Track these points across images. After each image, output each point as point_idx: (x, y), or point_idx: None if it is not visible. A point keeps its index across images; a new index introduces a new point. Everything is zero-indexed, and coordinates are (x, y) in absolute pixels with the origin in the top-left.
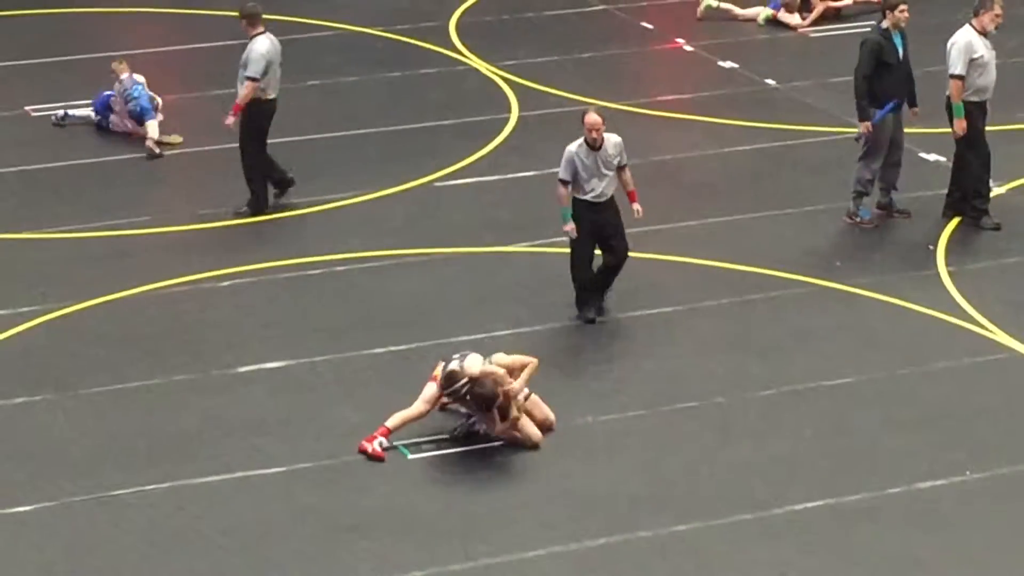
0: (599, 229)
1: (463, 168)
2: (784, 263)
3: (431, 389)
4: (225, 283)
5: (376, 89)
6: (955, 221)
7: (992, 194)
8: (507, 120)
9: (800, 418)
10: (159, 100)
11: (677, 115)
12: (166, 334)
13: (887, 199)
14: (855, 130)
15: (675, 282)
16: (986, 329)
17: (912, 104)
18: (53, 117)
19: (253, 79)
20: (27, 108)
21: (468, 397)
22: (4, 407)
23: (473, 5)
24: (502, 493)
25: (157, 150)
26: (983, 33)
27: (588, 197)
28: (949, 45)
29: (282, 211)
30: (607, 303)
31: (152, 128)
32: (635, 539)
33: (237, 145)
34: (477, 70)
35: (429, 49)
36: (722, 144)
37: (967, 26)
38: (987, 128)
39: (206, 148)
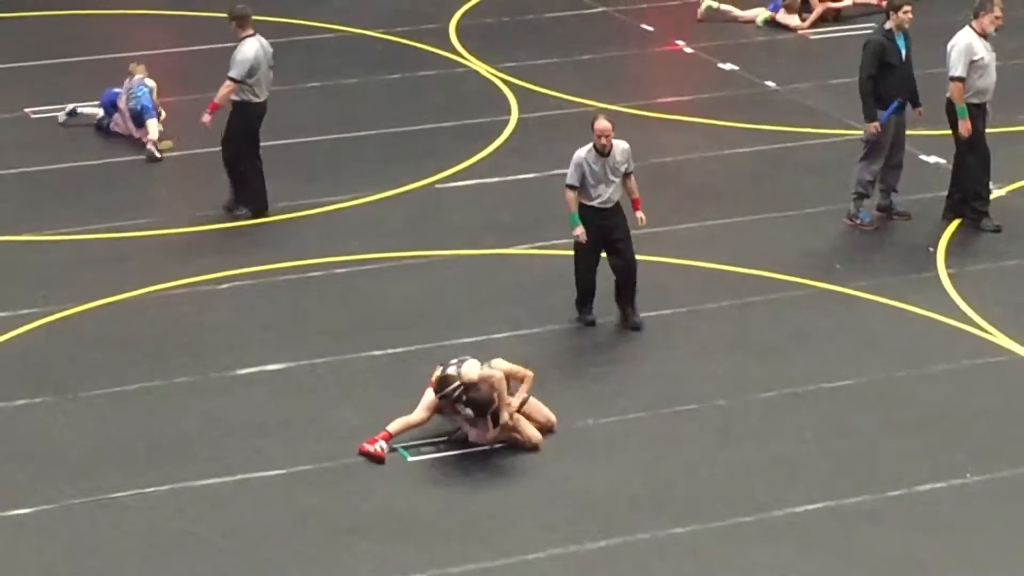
0: (605, 235)
1: (463, 170)
2: (784, 265)
3: (431, 395)
4: (225, 285)
5: (376, 91)
6: (955, 223)
7: (992, 196)
8: (507, 122)
9: (800, 420)
10: (162, 112)
11: (677, 117)
12: (166, 336)
13: (887, 201)
14: (856, 132)
15: (675, 284)
16: (986, 331)
17: (915, 105)
18: (60, 115)
19: (232, 79)
20: (27, 110)
21: (463, 401)
22: (4, 409)
23: (473, 7)
24: (502, 495)
25: (157, 153)
26: (983, 35)
27: (595, 203)
28: (949, 47)
29: (282, 214)
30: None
31: (152, 128)
32: (635, 541)
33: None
34: (477, 72)
35: (429, 51)
36: (722, 146)
37: (967, 28)
38: (987, 130)
39: (206, 150)
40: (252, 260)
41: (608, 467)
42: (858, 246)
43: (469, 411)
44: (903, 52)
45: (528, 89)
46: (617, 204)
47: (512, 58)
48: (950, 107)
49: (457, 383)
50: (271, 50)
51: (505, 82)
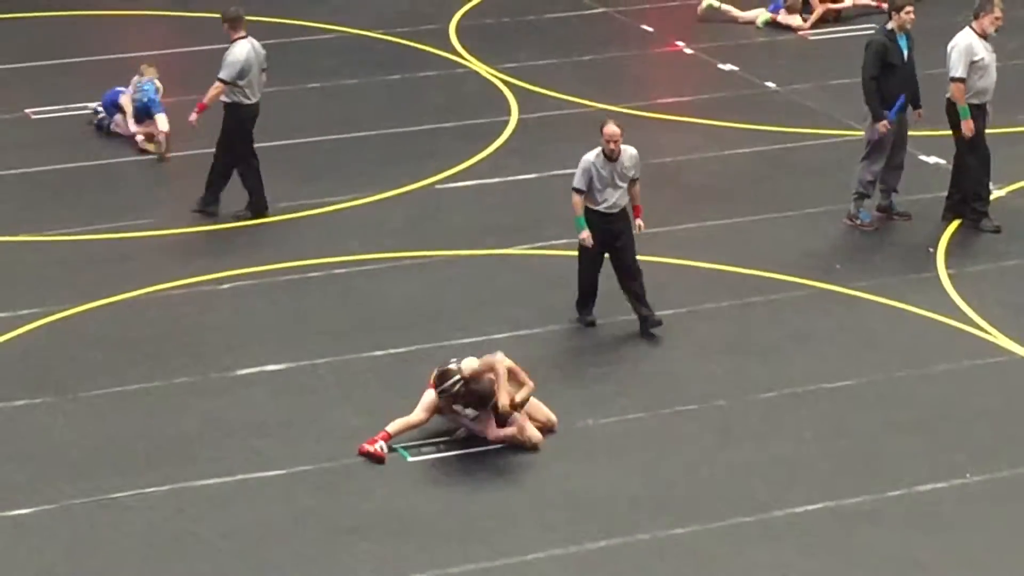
0: (610, 239)
1: (463, 171)
2: (784, 266)
3: (430, 396)
4: (225, 286)
5: (376, 92)
6: (955, 224)
7: (992, 196)
8: (507, 123)
9: (800, 420)
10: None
11: (677, 118)
12: (166, 337)
13: (887, 201)
14: (856, 132)
15: (675, 285)
16: (986, 332)
17: (916, 106)
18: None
19: (222, 80)
20: (27, 111)
21: (463, 394)
22: (4, 409)
23: (473, 8)
24: (502, 495)
25: (164, 149)
26: (983, 36)
27: (600, 208)
28: (949, 48)
29: (282, 214)
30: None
31: (162, 121)
32: (635, 541)
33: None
34: (477, 73)
35: (429, 52)
36: (722, 147)
37: (967, 28)
38: (987, 130)
39: (206, 151)
40: (252, 260)
41: (608, 467)
42: (858, 246)
43: (469, 411)
44: (905, 53)
45: (528, 90)
46: (623, 210)
47: (512, 59)
48: (950, 108)
49: (457, 377)
50: (264, 52)
51: (505, 83)
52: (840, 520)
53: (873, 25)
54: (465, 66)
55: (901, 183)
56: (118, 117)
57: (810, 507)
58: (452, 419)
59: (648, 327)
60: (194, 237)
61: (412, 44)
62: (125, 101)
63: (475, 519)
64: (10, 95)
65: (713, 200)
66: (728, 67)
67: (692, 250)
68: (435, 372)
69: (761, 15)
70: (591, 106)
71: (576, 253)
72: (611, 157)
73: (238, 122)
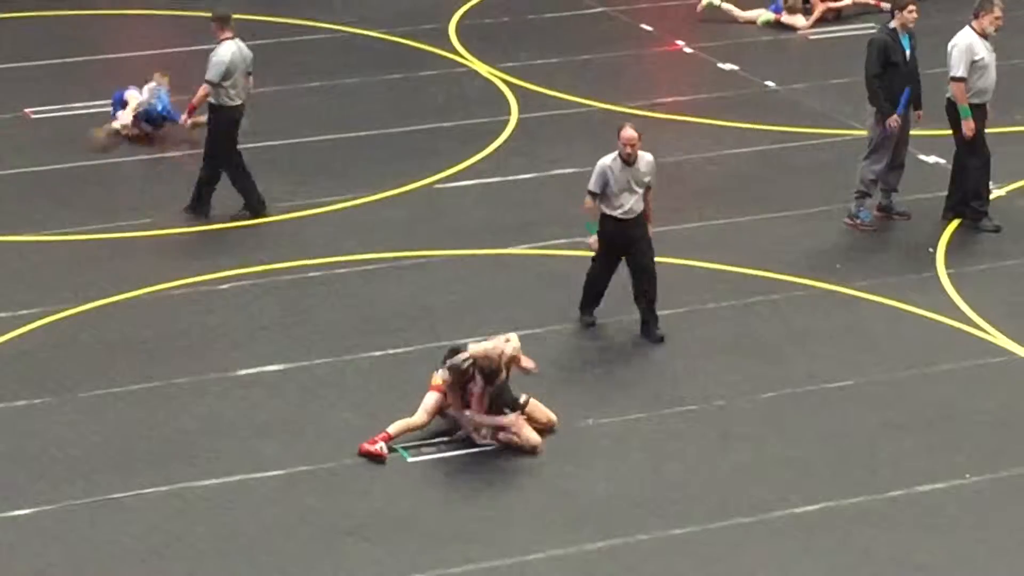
0: (627, 246)
1: (463, 170)
2: (784, 265)
3: (431, 399)
4: (225, 286)
5: (376, 91)
6: (955, 223)
7: (992, 196)
8: (507, 122)
9: (800, 420)
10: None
11: (677, 117)
12: (165, 337)
13: (887, 201)
14: (855, 132)
15: (675, 284)
16: (986, 332)
17: (917, 106)
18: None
19: (209, 82)
20: (26, 110)
21: (472, 373)
22: (4, 410)
23: (473, 7)
24: (502, 496)
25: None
26: (983, 35)
27: (616, 213)
28: (950, 47)
29: (282, 214)
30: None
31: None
32: (634, 542)
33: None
34: (477, 72)
35: (429, 51)
36: (722, 146)
37: (967, 28)
38: (987, 130)
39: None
40: (252, 261)
41: (608, 467)
42: (858, 246)
43: (468, 413)
44: (907, 52)
45: (528, 89)
46: (639, 216)
47: (512, 58)
48: (951, 107)
49: (468, 355)
50: (250, 55)
51: (505, 82)
52: (840, 520)
53: (873, 24)
54: (465, 65)
55: (901, 183)
56: (121, 113)
57: (810, 507)
58: (457, 414)
59: (650, 337)
60: (194, 237)
61: (412, 43)
62: (131, 96)
63: (475, 519)
64: (9, 95)
65: (713, 200)
66: (728, 66)
67: (692, 250)
68: (437, 375)
69: (762, 15)
70: (591, 105)
71: (575, 253)
72: (628, 161)
73: (223, 124)
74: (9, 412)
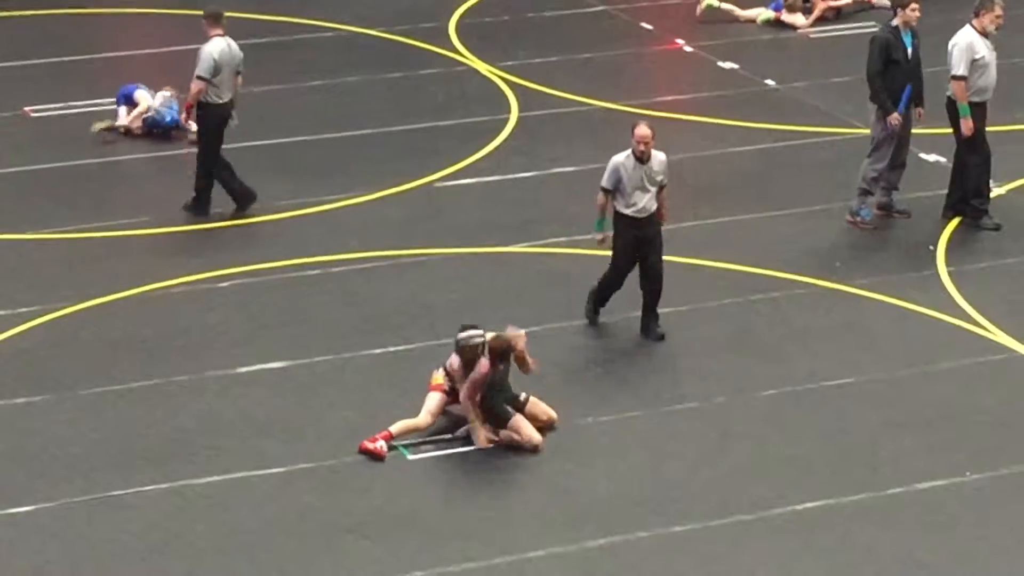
0: (641, 245)
1: (463, 169)
2: (785, 263)
3: (433, 400)
4: (225, 284)
5: (376, 90)
6: (955, 221)
7: (992, 194)
8: (507, 121)
9: (801, 418)
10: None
11: (677, 116)
12: (165, 335)
13: (887, 199)
14: (856, 131)
15: (676, 282)
16: (986, 329)
17: (918, 103)
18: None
19: (200, 78)
20: (26, 109)
21: (481, 351)
22: (4, 407)
23: (473, 6)
24: (502, 493)
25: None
26: (984, 34)
27: (630, 211)
28: (950, 46)
29: (282, 212)
30: (660, 330)
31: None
32: (635, 539)
33: (236, 145)
34: (477, 71)
35: (429, 50)
36: (722, 145)
37: (968, 27)
38: (987, 128)
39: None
40: (252, 258)
41: (608, 465)
42: (858, 244)
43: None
44: (909, 49)
45: (528, 88)
46: (653, 215)
47: (512, 57)
48: (951, 105)
49: (479, 332)
50: (240, 55)
51: (505, 81)
52: (840, 518)
53: (873, 23)
54: (465, 64)
55: (902, 181)
56: (123, 110)
57: (810, 505)
58: (464, 408)
59: (650, 335)
60: (193, 235)
61: (412, 42)
62: (140, 96)
63: (475, 517)
64: (9, 93)
65: (713, 198)
66: (728, 65)
67: (693, 248)
68: (438, 375)
69: (762, 13)
70: (591, 104)
71: (575, 251)
72: (641, 159)
73: (206, 121)
74: (9, 410)
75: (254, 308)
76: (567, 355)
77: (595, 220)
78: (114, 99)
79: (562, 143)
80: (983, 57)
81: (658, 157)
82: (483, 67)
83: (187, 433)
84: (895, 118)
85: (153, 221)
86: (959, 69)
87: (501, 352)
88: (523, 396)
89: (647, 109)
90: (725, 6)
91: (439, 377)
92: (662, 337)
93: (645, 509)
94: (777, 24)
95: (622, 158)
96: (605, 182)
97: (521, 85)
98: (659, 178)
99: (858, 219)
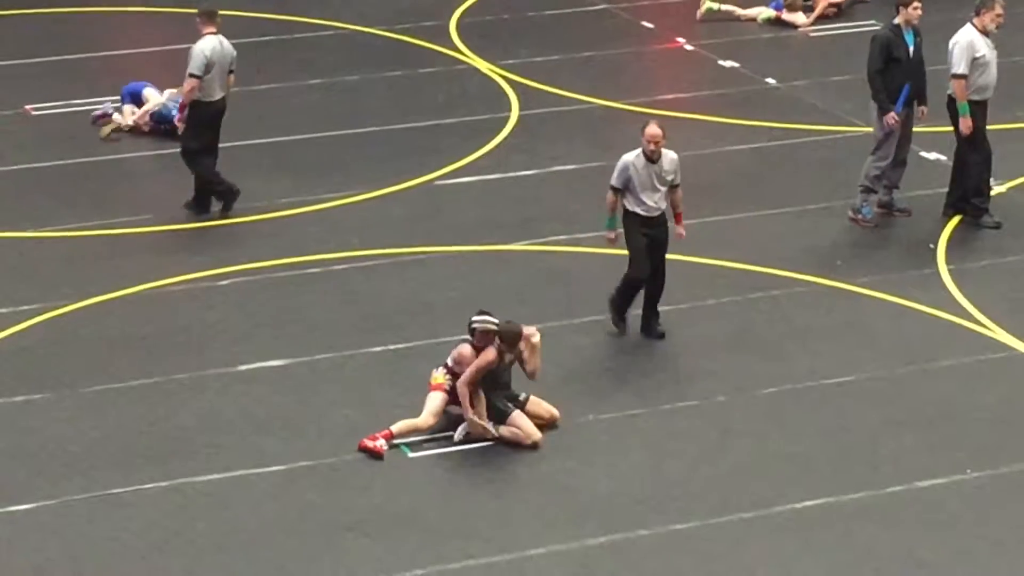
0: (651, 244)
1: (463, 167)
2: (785, 262)
3: (435, 400)
4: (225, 282)
5: (377, 88)
6: (956, 220)
7: (992, 193)
8: (507, 119)
9: (801, 416)
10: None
11: (677, 114)
12: (165, 333)
13: (888, 197)
14: (856, 129)
15: (676, 281)
16: (986, 328)
17: (921, 102)
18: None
19: (193, 76)
20: (27, 107)
21: (492, 336)
22: (4, 405)
23: (473, 4)
24: (502, 492)
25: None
26: (984, 32)
27: (639, 210)
28: (951, 44)
29: (283, 210)
30: (661, 328)
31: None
32: (635, 537)
33: (237, 143)
34: (478, 69)
35: (430, 48)
36: (722, 143)
37: (968, 25)
38: (988, 127)
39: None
40: (252, 256)
41: (609, 463)
42: (859, 242)
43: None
44: (911, 48)
45: (529, 86)
46: (663, 215)
47: (513, 55)
48: (951, 104)
49: (494, 320)
50: (233, 53)
51: (506, 79)
52: (841, 516)
53: (873, 22)
54: (466, 63)
55: (903, 179)
56: (127, 108)
57: (811, 503)
58: (460, 393)
59: (650, 333)
60: (194, 233)
61: (413, 41)
62: (149, 94)
63: (476, 515)
64: (10, 91)
65: (713, 196)
66: (729, 63)
67: (693, 246)
68: (438, 374)
69: (763, 12)
70: (592, 102)
71: (576, 249)
72: (651, 159)
73: (197, 118)
74: (8, 408)
75: (254, 306)
76: (568, 353)
77: (606, 219)
78: (115, 97)
79: (563, 141)
80: (984, 56)
81: (669, 156)
82: (484, 65)
83: (187, 431)
84: (891, 117)
85: (154, 219)
86: (959, 67)
87: (511, 339)
88: (523, 395)
89: (648, 108)
90: (726, 7)
91: (440, 377)
92: (662, 335)
93: (646, 507)
94: (778, 23)
95: (632, 157)
96: (614, 181)
97: (522, 83)
98: (669, 178)
99: (859, 216)
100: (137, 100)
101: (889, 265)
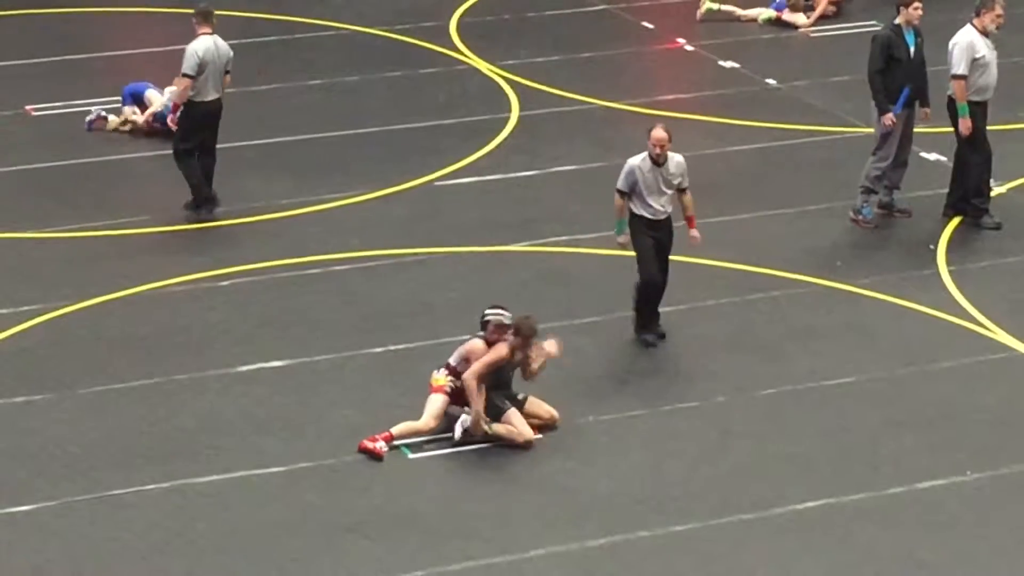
0: (656, 247)
1: (464, 167)
2: (785, 262)
3: (436, 403)
4: (225, 282)
5: (377, 89)
6: (956, 220)
7: (993, 193)
8: (508, 119)
9: (801, 417)
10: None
11: (678, 115)
12: (166, 333)
13: (888, 198)
14: (856, 129)
15: (676, 281)
16: (987, 328)
17: (924, 103)
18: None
19: (186, 75)
20: (27, 107)
21: (510, 329)
22: (4, 406)
23: (473, 5)
24: (502, 492)
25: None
26: (984, 33)
27: (646, 213)
28: (951, 45)
29: (283, 211)
30: (661, 329)
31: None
32: (635, 539)
33: (237, 144)
34: (478, 70)
35: (430, 49)
36: (722, 144)
37: (968, 26)
38: (988, 127)
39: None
40: (253, 257)
41: (609, 464)
42: (859, 243)
43: (464, 416)
44: (912, 48)
45: (529, 87)
46: (668, 217)
47: (513, 56)
48: (952, 104)
49: (508, 314)
50: (229, 54)
51: (506, 80)
52: (841, 517)
53: (873, 22)
54: (466, 63)
55: (903, 180)
56: (128, 109)
57: (811, 504)
58: (467, 387)
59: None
60: (194, 234)
61: (413, 41)
62: (151, 96)
63: (476, 516)
64: (11, 92)
65: (714, 197)
66: (729, 64)
67: (693, 247)
68: (439, 375)
69: (763, 13)
70: (592, 103)
71: (576, 250)
72: (657, 162)
73: (188, 118)
74: (9, 409)
75: (255, 307)
76: (567, 354)
77: (615, 222)
78: (115, 97)
79: (563, 142)
80: (984, 56)
81: (675, 159)
82: (484, 66)
83: (188, 432)
84: (888, 118)
85: (154, 220)
86: (959, 68)
87: (528, 333)
88: (521, 395)
89: (648, 108)
90: (726, 7)
91: (441, 379)
92: (662, 336)
93: (645, 508)
94: (778, 23)
95: (638, 160)
96: (620, 184)
97: (522, 84)
98: (676, 181)
99: (860, 217)
100: (138, 100)
101: (889, 266)
